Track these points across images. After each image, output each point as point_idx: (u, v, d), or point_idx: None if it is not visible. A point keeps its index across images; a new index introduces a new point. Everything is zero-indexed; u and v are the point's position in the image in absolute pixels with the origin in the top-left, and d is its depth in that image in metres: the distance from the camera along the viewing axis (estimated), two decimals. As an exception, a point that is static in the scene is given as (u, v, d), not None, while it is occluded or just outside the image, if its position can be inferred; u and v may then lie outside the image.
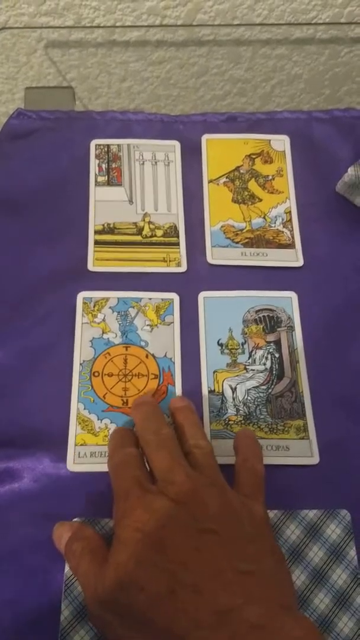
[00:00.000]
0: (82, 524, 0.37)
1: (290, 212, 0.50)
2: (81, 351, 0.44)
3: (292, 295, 0.47)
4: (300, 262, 0.48)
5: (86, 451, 0.41)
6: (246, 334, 0.46)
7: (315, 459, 0.42)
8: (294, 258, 0.48)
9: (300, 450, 0.42)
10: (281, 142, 0.53)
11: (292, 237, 0.49)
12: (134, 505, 0.33)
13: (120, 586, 0.31)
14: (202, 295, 0.47)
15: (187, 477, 0.34)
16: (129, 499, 0.34)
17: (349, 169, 0.49)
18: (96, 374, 0.43)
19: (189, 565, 0.31)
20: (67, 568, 0.37)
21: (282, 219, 0.50)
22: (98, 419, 0.42)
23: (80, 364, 0.43)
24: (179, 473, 0.34)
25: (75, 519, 0.39)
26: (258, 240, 0.49)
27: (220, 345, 0.46)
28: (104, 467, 0.40)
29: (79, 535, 0.36)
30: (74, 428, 0.41)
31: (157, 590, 0.30)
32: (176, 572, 0.30)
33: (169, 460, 0.35)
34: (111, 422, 0.42)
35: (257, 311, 0.47)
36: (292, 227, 0.50)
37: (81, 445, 0.41)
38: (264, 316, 0.47)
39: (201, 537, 0.32)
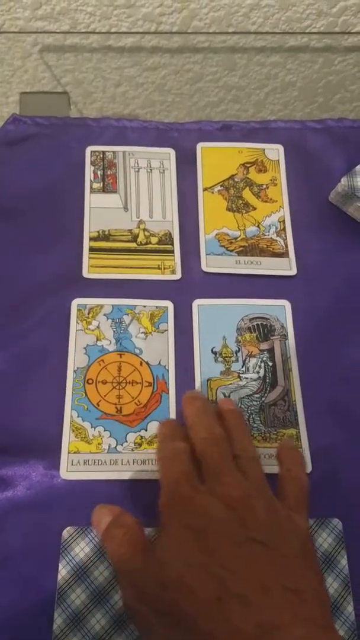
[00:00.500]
0: (122, 510, 0.36)
1: (283, 221, 0.51)
2: (75, 358, 0.44)
3: (286, 303, 0.48)
4: (293, 271, 0.49)
5: (79, 459, 0.41)
6: (240, 342, 0.46)
7: (307, 468, 0.42)
8: (287, 267, 0.49)
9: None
10: (275, 152, 0.54)
11: (286, 246, 0.50)
12: (184, 501, 0.33)
13: (165, 585, 0.31)
14: (196, 303, 0.47)
15: (237, 482, 0.34)
16: (179, 493, 0.34)
17: (342, 179, 0.49)
18: (90, 381, 0.43)
19: (238, 575, 0.30)
20: (60, 576, 0.37)
21: (276, 228, 0.50)
22: (91, 427, 0.42)
23: (74, 371, 0.44)
24: (230, 476, 0.34)
25: (67, 528, 0.39)
26: (252, 248, 0.49)
27: (214, 353, 0.46)
28: (97, 475, 0.40)
29: (120, 521, 0.35)
30: (67, 436, 0.41)
31: (204, 595, 0.30)
32: (225, 579, 0.30)
33: (220, 460, 0.35)
34: (104, 430, 0.42)
35: (250, 319, 0.47)
36: (285, 235, 0.50)
37: (74, 453, 0.41)
38: (257, 324, 0.47)
39: (250, 547, 0.31)
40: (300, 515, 0.35)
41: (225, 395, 0.44)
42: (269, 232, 0.50)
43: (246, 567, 0.30)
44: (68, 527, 0.39)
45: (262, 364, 0.46)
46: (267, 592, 0.30)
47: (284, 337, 0.47)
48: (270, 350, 0.46)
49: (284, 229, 0.50)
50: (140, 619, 0.32)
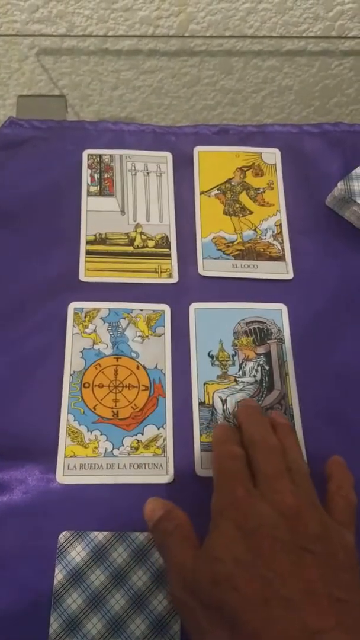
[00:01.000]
0: (174, 505, 0.37)
1: (280, 224, 0.51)
2: (72, 362, 0.44)
3: (282, 307, 0.48)
4: (290, 275, 0.49)
5: (76, 463, 0.41)
6: (236, 345, 0.46)
7: (304, 472, 0.42)
8: (284, 270, 0.49)
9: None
10: (272, 155, 0.54)
11: (283, 250, 0.50)
12: (238, 503, 0.34)
13: (214, 580, 0.31)
14: (193, 306, 0.47)
15: (290, 490, 0.34)
16: (233, 495, 0.34)
17: (338, 184, 0.49)
18: (86, 385, 0.43)
19: (286, 579, 0.31)
20: (56, 580, 0.37)
21: (273, 232, 0.51)
22: (88, 431, 0.42)
23: (71, 374, 0.44)
24: (284, 484, 0.35)
25: (64, 532, 0.39)
26: (249, 252, 0.49)
27: (211, 357, 0.46)
28: (93, 480, 0.40)
29: (172, 515, 0.36)
30: (63, 439, 0.41)
31: (251, 595, 0.30)
32: (272, 581, 0.30)
33: (275, 467, 0.36)
34: (101, 434, 0.42)
35: (247, 323, 0.47)
36: (282, 239, 0.50)
37: (71, 457, 0.41)
38: (254, 328, 0.47)
39: (299, 554, 0.32)
40: (349, 531, 0.35)
41: (221, 400, 0.44)
42: (265, 235, 0.50)
43: (294, 572, 0.31)
44: (64, 532, 0.39)
45: (259, 368, 0.46)
46: (313, 598, 0.30)
47: (281, 340, 0.47)
48: (267, 354, 0.46)
49: (281, 232, 0.51)
50: (187, 611, 0.33)
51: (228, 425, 0.42)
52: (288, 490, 0.34)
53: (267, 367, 0.46)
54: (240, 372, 0.45)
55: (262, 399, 0.44)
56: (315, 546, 0.32)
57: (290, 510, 0.33)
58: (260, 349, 0.46)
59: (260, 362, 0.46)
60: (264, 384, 0.45)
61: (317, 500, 0.36)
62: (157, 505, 0.37)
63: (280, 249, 0.50)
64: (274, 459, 0.37)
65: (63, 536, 0.39)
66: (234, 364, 0.46)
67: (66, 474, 0.40)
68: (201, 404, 0.44)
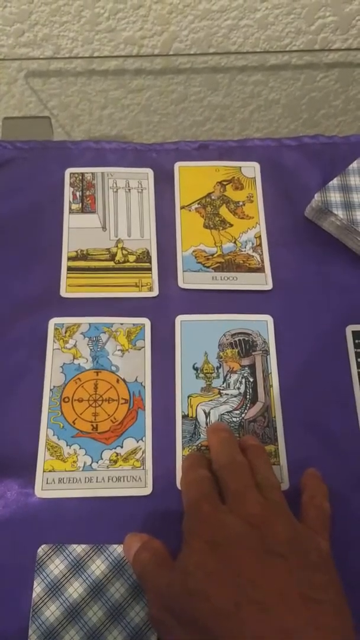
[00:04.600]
0: (150, 537, 0.38)
1: (260, 236, 0.51)
2: (52, 377, 0.45)
3: (268, 318, 0.48)
4: (269, 286, 0.49)
5: (54, 477, 0.41)
6: (221, 357, 0.47)
7: (285, 485, 0.42)
8: (263, 282, 0.49)
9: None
10: (251, 169, 0.54)
11: (262, 261, 0.50)
12: (205, 519, 0.35)
13: (187, 593, 0.32)
14: (179, 318, 0.48)
15: (258, 501, 0.35)
16: (200, 513, 0.35)
17: (315, 195, 0.50)
18: (66, 399, 0.44)
19: (257, 583, 0.31)
20: (34, 593, 0.38)
21: (252, 244, 0.51)
22: (67, 445, 0.42)
23: (51, 389, 0.44)
24: (251, 497, 0.36)
25: (42, 545, 0.39)
26: (228, 264, 0.50)
27: (196, 369, 0.46)
28: (72, 493, 0.41)
29: (148, 545, 0.37)
30: (42, 454, 0.42)
31: (223, 602, 0.31)
32: (244, 586, 0.31)
33: (241, 483, 0.37)
34: (80, 448, 0.42)
35: (232, 335, 0.47)
36: (261, 251, 0.51)
37: (50, 471, 0.41)
38: (239, 340, 0.47)
39: (270, 560, 0.32)
40: (323, 537, 0.36)
41: (205, 412, 0.45)
42: (245, 247, 0.51)
43: (265, 576, 0.32)
44: (43, 545, 0.39)
45: (243, 380, 0.46)
46: (285, 599, 0.31)
47: (266, 352, 0.47)
48: (252, 366, 0.46)
49: (260, 244, 0.51)
50: (165, 630, 0.33)
51: (196, 452, 0.43)
52: (255, 502, 0.35)
53: (251, 379, 0.46)
54: (225, 385, 0.46)
55: (246, 411, 0.45)
56: (286, 549, 0.33)
57: (258, 519, 0.34)
58: (245, 361, 0.47)
59: (245, 374, 0.46)
60: (247, 397, 0.45)
61: (288, 511, 0.36)
62: (134, 539, 0.38)
63: (259, 260, 0.50)
64: (241, 476, 0.37)
65: (42, 549, 0.39)
66: (218, 377, 0.46)
67: (45, 488, 0.41)
68: (184, 416, 0.44)
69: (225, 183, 0.54)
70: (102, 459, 0.42)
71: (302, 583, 0.31)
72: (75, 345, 0.46)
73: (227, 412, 0.45)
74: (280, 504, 0.36)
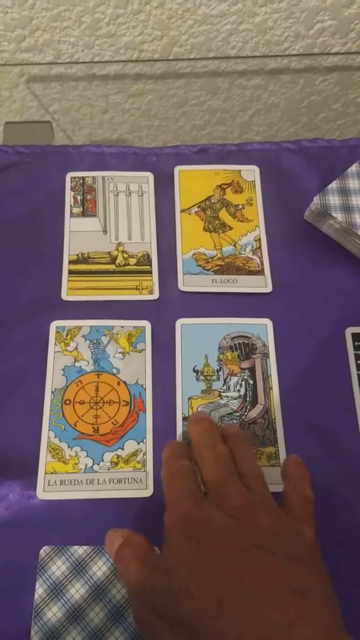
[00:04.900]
0: (133, 532, 0.37)
1: (259, 239, 0.52)
2: (53, 379, 0.45)
3: (267, 322, 0.48)
4: (269, 288, 0.49)
5: (56, 479, 0.41)
6: (221, 360, 0.47)
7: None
8: (262, 284, 0.50)
9: (271, 477, 0.42)
10: (251, 172, 0.55)
11: (262, 264, 0.51)
12: (187, 514, 0.34)
13: (170, 593, 0.31)
14: (180, 322, 0.48)
15: (240, 493, 0.35)
16: (182, 508, 0.34)
17: (314, 198, 0.50)
18: (67, 402, 0.44)
19: (242, 578, 0.31)
20: (37, 594, 0.38)
21: (252, 247, 0.51)
22: (68, 447, 0.43)
23: (52, 392, 0.44)
24: (233, 488, 0.35)
25: (44, 547, 0.39)
26: (228, 267, 0.50)
27: (196, 372, 0.46)
28: (73, 495, 0.41)
29: (130, 542, 0.36)
30: (44, 456, 0.42)
31: (207, 600, 0.30)
32: (228, 582, 0.31)
33: (223, 475, 0.36)
34: (81, 450, 0.42)
35: (232, 338, 0.48)
36: (261, 254, 0.51)
37: (51, 473, 0.42)
38: (239, 343, 0.48)
39: (254, 552, 0.32)
40: (307, 525, 0.36)
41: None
42: (245, 250, 0.51)
43: (250, 571, 0.31)
44: (45, 547, 0.39)
45: (243, 382, 0.46)
46: (271, 593, 0.30)
47: (265, 355, 0.47)
48: (252, 369, 0.47)
49: (260, 247, 0.51)
50: (151, 630, 0.33)
51: (177, 441, 0.42)
52: (237, 493, 0.35)
53: (251, 382, 0.46)
54: (225, 387, 0.46)
55: (246, 413, 0.45)
56: (271, 542, 0.32)
57: (241, 510, 0.34)
58: (245, 364, 0.47)
59: (245, 377, 0.46)
60: (247, 399, 0.46)
61: (272, 500, 0.36)
62: (115, 535, 0.37)
63: (259, 263, 0.51)
64: (222, 466, 0.37)
65: (44, 551, 0.39)
66: (218, 379, 0.46)
67: (46, 490, 0.41)
68: (185, 418, 0.45)
69: (224, 186, 0.54)
70: (103, 460, 0.42)
71: (289, 576, 0.31)
72: (76, 348, 0.46)
73: (228, 414, 0.45)
74: (264, 493, 0.36)
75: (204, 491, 0.37)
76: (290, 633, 0.29)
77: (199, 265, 0.50)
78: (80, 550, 0.39)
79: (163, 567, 0.33)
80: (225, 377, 0.46)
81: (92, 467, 0.42)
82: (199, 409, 0.45)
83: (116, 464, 0.42)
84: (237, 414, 0.45)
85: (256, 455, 0.43)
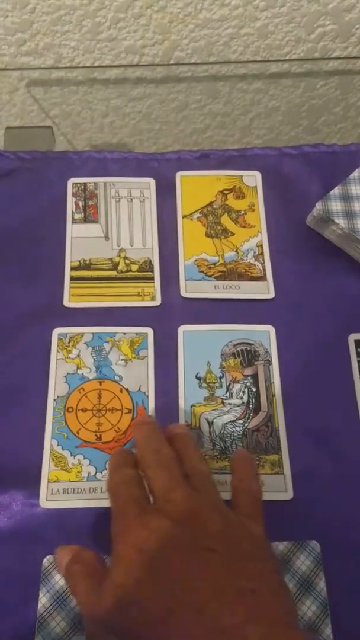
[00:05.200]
0: (82, 548, 0.36)
1: (261, 245, 0.52)
2: (55, 387, 0.45)
3: (270, 328, 0.48)
4: (271, 295, 0.49)
5: (59, 488, 0.41)
6: (224, 367, 0.47)
7: (289, 494, 0.42)
8: (265, 290, 0.50)
9: (274, 485, 0.42)
10: (253, 178, 0.55)
11: (264, 270, 0.50)
12: (132, 524, 0.33)
13: (119, 606, 0.31)
14: (182, 328, 0.48)
15: (186, 496, 0.34)
16: (127, 518, 0.34)
17: (317, 204, 0.50)
18: (70, 409, 0.44)
19: (189, 584, 0.30)
20: (40, 604, 0.38)
21: (254, 252, 0.51)
22: (71, 455, 0.42)
23: (55, 399, 0.44)
24: (178, 492, 0.34)
25: (48, 556, 0.39)
26: (230, 273, 0.50)
27: (199, 379, 0.46)
28: (76, 504, 0.41)
29: (79, 557, 0.35)
30: (47, 464, 0.42)
31: (155, 610, 0.30)
32: (176, 590, 0.30)
33: (168, 479, 0.36)
34: (84, 458, 0.42)
35: (235, 345, 0.48)
36: (263, 260, 0.51)
37: (54, 481, 0.41)
38: (242, 350, 0.47)
39: (201, 556, 0.32)
40: (255, 521, 0.35)
41: (208, 422, 0.45)
42: (247, 256, 0.51)
43: (197, 575, 0.31)
44: (48, 556, 0.39)
45: (246, 390, 0.46)
46: (219, 596, 0.30)
47: (268, 362, 0.47)
48: (254, 376, 0.47)
49: (262, 253, 0.51)
50: None
51: (122, 449, 0.42)
52: (183, 497, 0.34)
53: (254, 389, 0.46)
54: (228, 394, 0.46)
55: (249, 421, 0.45)
56: (218, 543, 0.32)
57: (185, 515, 0.33)
58: (248, 371, 0.47)
59: (248, 384, 0.46)
60: (250, 406, 0.45)
61: (219, 499, 0.36)
62: (65, 552, 0.36)
63: (261, 269, 0.51)
64: (166, 471, 0.36)
65: (47, 560, 0.39)
66: (221, 386, 0.46)
67: (49, 499, 0.41)
68: (188, 426, 0.44)
69: (226, 192, 0.54)
70: (106, 469, 0.42)
71: (237, 575, 0.31)
72: (78, 355, 0.46)
73: (231, 421, 0.45)
74: (210, 493, 0.36)
75: (150, 498, 0.36)
76: (239, 634, 0.29)
77: (201, 272, 0.50)
78: (83, 559, 0.39)
79: (110, 580, 0.32)
80: (228, 384, 0.46)
81: (95, 475, 0.42)
82: (202, 417, 0.45)
83: (119, 472, 0.42)
84: (240, 421, 0.45)
85: (260, 463, 0.43)
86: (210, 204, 0.54)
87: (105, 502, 0.41)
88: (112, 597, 0.31)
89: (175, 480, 0.35)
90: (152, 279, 0.50)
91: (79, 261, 0.50)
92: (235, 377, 0.47)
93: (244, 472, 0.39)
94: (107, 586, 0.32)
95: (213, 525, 0.33)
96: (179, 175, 0.55)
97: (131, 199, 0.54)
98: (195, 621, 0.29)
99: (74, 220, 0.52)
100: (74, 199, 0.53)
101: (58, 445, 0.43)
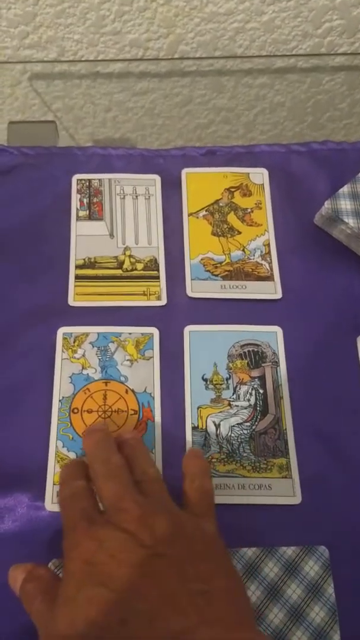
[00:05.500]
0: (36, 565, 0.36)
1: (269, 244, 0.51)
2: (60, 387, 0.44)
3: (277, 329, 0.47)
4: (279, 295, 0.49)
5: (64, 490, 0.41)
6: (231, 369, 0.46)
7: (297, 499, 0.42)
8: (272, 290, 0.49)
9: (282, 489, 0.42)
10: (260, 175, 0.54)
11: (271, 269, 0.50)
12: (80, 538, 0.33)
13: (71, 623, 0.30)
14: (188, 329, 0.47)
15: (135, 504, 0.34)
16: (76, 532, 0.33)
17: (325, 203, 0.49)
18: (75, 410, 0.43)
19: (141, 593, 0.30)
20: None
21: (261, 252, 0.51)
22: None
23: (60, 400, 0.44)
24: (128, 501, 0.34)
25: (53, 560, 0.39)
26: (237, 272, 0.50)
27: (205, 380, 0.46)
28: (82, 506, 0.40)
29: (33, 575, 0.35)
30: (52, 466, 0.41)
31: (108, 623, 0.30)
32: (127, 601, 0.30)
33: (117, 489, 0.35)
34: (90, 460, 0.42)
35: (242, 346, 0.47)
36: (270, 259, 0.50)
37: (59, 484, 0.41)
38: (248, 351, 0.47)
39: (151, 564, 0.31)
40: (206, 520, 0.35)
41: (215, 424, 0.44)
42: (254, 255, 0.50)
43: (148, 583, 0.31)
44: (54, 559, 0.39)
45: (253, 392, 0.45)
46: (171, 601, 0.30)
47: (276, 364, 0.46)
48: (262, 378, 0.46)
49: (269, 252, 0.51)
50: None
51: (74, 460, 0.41)
52: (132, 505, 0.34)
53: (261, 391, 0.45)
54: (235, 396, 0.45)
55: (256, 423, 0.44)
56: (167, 548, 0.32)
57: (134, 522, 0.33)
58: (255, 373, 0.46)
59: (255, 386, 0.46)
60: (258, 408, 0.45)
61: (169, 502, 0.36)
62: (18, 571, 0.36)
63: (268, 268, 0.50)
64: (116, 480, 0.36)
65: (52, 564, 0.39)
66: (228, 388, 0.45)
67: (55, 502, 0.40)
68: (194, 428, 0.44)
69: (233, 190, 0.53)
70: (112, 471, 0.42)
71: (188, 578, 0.31)
72: (84, 355, 0.45)
73: (238, 424, 0.44)
74: (160, 497, 0.36)
75: (102, 509, 0.36)
76: (192, 637, 0.28)
77: (207, 271, 0.50)
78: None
79: (62, 597, 0.32)
80: (235, 385, 0.46)
81: (100, 477, 0.41)
82: (208, 419, 0.44)
83: (125, 474, 0.42)
84: (247, 424, 0.44)
85: (267, 467, 0.42)
86: (217, 201, 0.53)
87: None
88: (65, 614, 0.31)
89: (124, 489, 0.35)
90: (157, 278, 0.49)
91: (84, 259, 0.50)
92: (242, 379, 0.46)
93: (195, 470, 0.39)
94: (61, 603, 0.31)
95: (162, 529, 0.33)
96: (185, 172, 0.54)
97: (136, 196, 0.53)
98: (147, 628, 0.29)
99: (78, 218, 0.52)
100: (79, 196, 0.52)
101: (63, 446, 0.42)
